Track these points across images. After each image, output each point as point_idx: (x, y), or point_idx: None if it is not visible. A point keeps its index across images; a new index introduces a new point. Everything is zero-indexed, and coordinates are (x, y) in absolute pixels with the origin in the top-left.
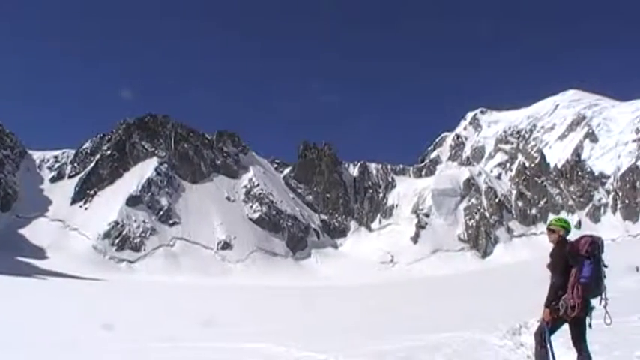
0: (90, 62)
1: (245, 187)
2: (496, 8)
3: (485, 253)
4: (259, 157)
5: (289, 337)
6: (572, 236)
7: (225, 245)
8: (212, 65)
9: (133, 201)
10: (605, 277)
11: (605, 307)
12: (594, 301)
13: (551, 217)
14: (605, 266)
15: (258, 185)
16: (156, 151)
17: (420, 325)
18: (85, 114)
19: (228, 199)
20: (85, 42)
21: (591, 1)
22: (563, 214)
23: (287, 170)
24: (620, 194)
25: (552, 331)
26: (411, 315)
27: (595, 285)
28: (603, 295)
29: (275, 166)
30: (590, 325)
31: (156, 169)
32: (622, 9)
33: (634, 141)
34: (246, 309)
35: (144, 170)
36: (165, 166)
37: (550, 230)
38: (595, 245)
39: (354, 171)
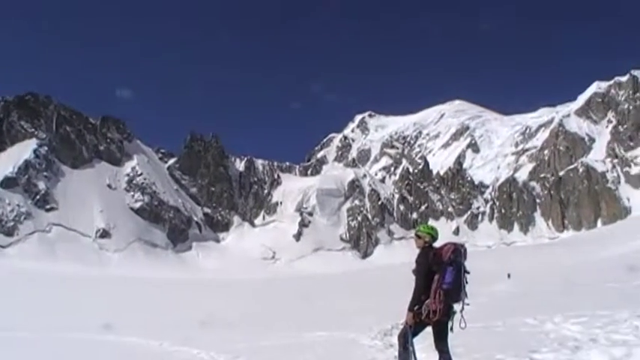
0: None
1: (128, 175)
2: (391, 15)
3: (365, 254)
4: (144, 145)
5: (164, 332)
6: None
7: (104, 234)
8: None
9: (7, 183)
10: (467, 283)
11: (461, 312)
12: (457, 306)
13: (431, 222)
14: (467, 273)
15: (141, 174)
16: (35, 132)
17: (299, 322)
18: None
19: (109, 186)
20: None
21: (485, 20)
22: (442, 220)
23: (172, 161)
24: (497, 204)
25: (416, 333)
26: (290, 312)
27: (456, 291)
28: (464, 301)
29: (160, 155)
30: (451, 329)
31: (34, 151)
32: (510, 31)
33: (513, 154)
34: (123, 301)
35: (21, 151)
36: (45, 148)
37: (417, 236)
38: (458, 252)
39: (240, 166)
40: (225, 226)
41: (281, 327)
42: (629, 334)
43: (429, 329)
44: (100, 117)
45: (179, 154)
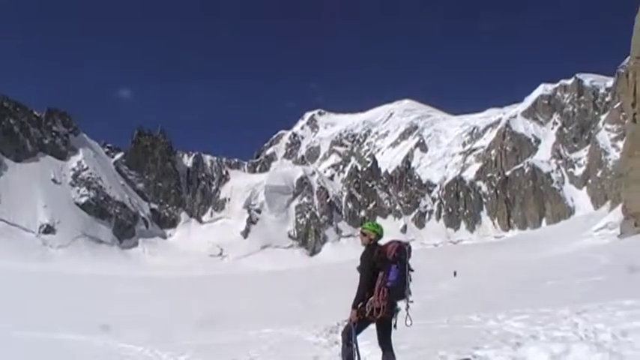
0: None
1: (73, 169)
2: (339, 13)
3: (313, 251)
4: (90, 139)
5: (108, 329)
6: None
7: (48, 229)
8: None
9: None
10: (411, 281)
11: (406, 309)
12: (401, 303)
13: (379, 220)
14: (412, 270)
15: (87, 169)
16: None
17: (245, 319)
18: None
19: (54, 180)
20: None
21: (433, 21)
22: (390, 218)
23: (119, 155)
24: (444, 202)
25: (359, 330)
26: (236, 309)
27: (400, 288)
28: (408, 299)
29: (107, 150)
30: (395, 326)
31: None
32: (460, 32)
33: (460, 153)
34: (66, 298)
35: None
36: None
37: (362, 234)
38: (402, 251)
39: (189, 161)
40: (173, 223)
41: (227, 324)
42: (568, 330)
43: (373, 326)
44: (45, 109)
45: (126, 149)
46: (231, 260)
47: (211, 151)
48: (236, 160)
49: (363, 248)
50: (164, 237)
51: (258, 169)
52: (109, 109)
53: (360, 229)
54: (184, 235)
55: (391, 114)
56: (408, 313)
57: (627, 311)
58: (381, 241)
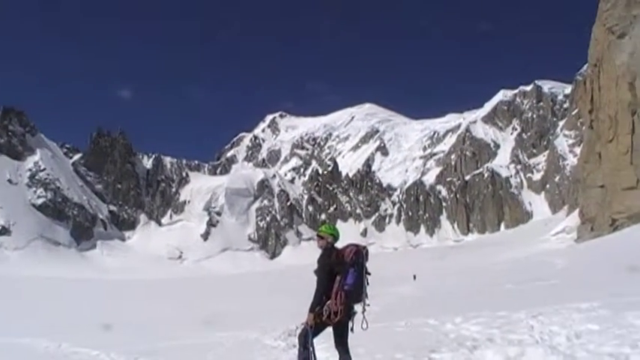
0: None
1: (30, 170)
2: (304, 17)
3: (274, 254)
4: (48, 139)
5: (63, 333)
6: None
7: (4, 231)
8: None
9: None
10: (368, 284)
11: (363, 312)
12: (358, 307)
13: (339, 223)
14: (369, 274)
15: (44, 169)
16: None
17: (204, 323)
18: None
19: (9, 181)
20: None
21: (393, 25)
22: (350, 222)
23: (77, 156)
24: (404, 206)
25: (316, 334)
26: (195, 313)
27: (358, 292)
28: (365, 302)
29: (65, 150)
30: (352, 330)
31: None
32: (423, 34)
33: (421, 157)
34: (20, 301)
35: None
36: None
37: (319, 237)
38: (359, 254)
39: (148, 163)
40: (131, 225)
41: (185, 327)
42: (524, 333)
43: (329, 329)
44: (0, 108)
45: (85, 150)
46: (190, 263)
47: (171, 152)
48: (196, 162)
49: (321, 251)
50: (123, 239)
51: (218, 171)
52: (68, 109)
53: (316, 233)
54: (143, 238)
55: (352, 118)
56: (364, 317)
57: (582, 314)
58: (338, 245)
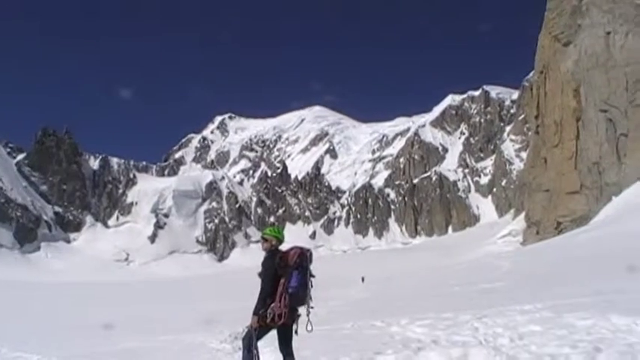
0: None
1: None
2: (255, 18)
3: (222, 257)
4: None
5: (2, 338)
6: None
7: None
8: None
9: None
10: (312, 287)
11: (308, 315)
12: (302, 309)
13: (288, 225)
14: (313, 277)
15: None
16: None
17: (150, 326)
18: None
19: None
20: None
21: (345, 28)
22: (299, 224)
23: (21, 156)
24: (353, 209)
25: (260, 336)
26: (141, 316)
27: (302, 294)
28: (309, 305)
29: (8, 150)
30: (296, 332)
31: None
32: (374, 38)
33: (370, 161)
34: None
35: None
36: None
37: (263, 239)
38: (304, 257)
39: (95, 164)
40: (77, 226)
41: (131, 331)
42: (468, 335)
43: (273, 332)
44: None
45: (29, 150)
46: (137, 265)
47: (119, 153)
48: (144, 163)
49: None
50: (68, 241)
51: (166, 172)
52: (11, 107)
53: (260, 235)
54: (89, 240)
55: (302, 120)
56: (309, 319)
57: (526, 315)
58: (283, 247)
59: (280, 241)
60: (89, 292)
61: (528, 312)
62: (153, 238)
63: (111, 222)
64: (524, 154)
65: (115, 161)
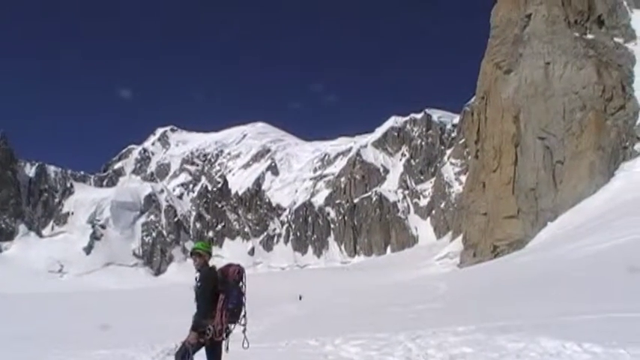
0: None
1: None
2: (197, 32)
3: (159, 271)
4: None
5: None
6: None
7: None
8: None
9: None
10: (245, 304)
11: (243, 332)
12: (232, 326)
13: (227, 241)
14: (243, 294)
15: None
16: None
17: (81, 340)
18: None
19: None
20: None
21: (285, 46)
22: (238, 240)
23: None
24: (293, 226)
25: (193, 353)
26: (73, 330)
27: (238, 311)
28: (243, 321)
29: None
30: (227, 349)
31: None
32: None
33: (311, 179)
34: None
35: None
36: None
37: (197, 254)
38: (242, 274)
39: (31, 171)
40: (9, 235)
41: (59, 345)
42: (401, 356)
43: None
44: None
45: None
46: (71, 277)
47: (56, 161)
48: (82, 172)
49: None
50: None
51: (105, 183)
52: None
53: (191, 249)
54: (22, 249)
55: (244, 135)
56: (245, 336)
57: (459, 337)
58: (219, 263)
59: (211, 255)
60: (23, 304)
61: (462, 333)
62: (88, 250)
63: (45, 232)
64: (463, 178)
65: (52, 169)
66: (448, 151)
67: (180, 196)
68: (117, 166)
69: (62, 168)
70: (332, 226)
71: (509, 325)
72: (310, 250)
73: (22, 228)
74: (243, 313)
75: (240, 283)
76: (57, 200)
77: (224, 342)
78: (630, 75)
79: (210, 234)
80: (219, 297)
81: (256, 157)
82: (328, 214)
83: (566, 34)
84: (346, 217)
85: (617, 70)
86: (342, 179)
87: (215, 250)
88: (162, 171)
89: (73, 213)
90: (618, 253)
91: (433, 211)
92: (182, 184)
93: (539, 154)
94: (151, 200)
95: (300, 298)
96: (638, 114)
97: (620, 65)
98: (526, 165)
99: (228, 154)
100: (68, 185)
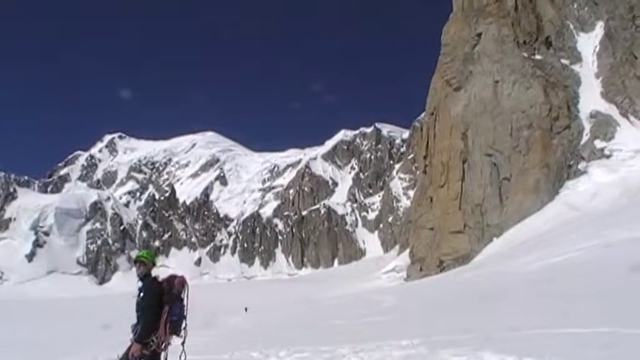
0: None
1: None
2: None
3: (103, 280)
4: None
5: None
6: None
7: None
8: None
9: None
10: (186, 316)
11: (183, 344)
12: (175, 338)
13: (173, 251)
14: (185, 305)
15: None
16: None
17: (21, 351)
18: None
19: None
20: None
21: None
22: (185, 250)
23: None
24: (240, 237)
25: None
26: (12, 340)
27: (180, 323)
28: (184, 334)
29: None
30: None
31: None
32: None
33: (259, 190)
34: None
35: None
36: None
37: (142, 262)
38: (186, 286)
39: None
40: None
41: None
42: None
43: None
44: None
45: None
46: (12, 284)
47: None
48: (26, 177)
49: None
50: None
51: (49, 189)
52: None
53: (135, 257)
54: None
55: (194, 145)
56: (184, 349)
57: (402, 351)
58: (162, 274)
59: (155, 265)
60: None
61: (405, 347)
62: (31, 257)
63: None
64: (411, 192)
65: None
66: (397, 166)
67: (127, 205)
68: (62, 172)
69: (5, 172)
70: (280, 237)
71: (453, 339)
72: (257, 261)
73: None
74: (184, 325)
75: (183, 295)
76: None
77: (163, 354)
78: (576, 96)
79: (157, 243)
80: (164, 309)
81: (205, 167)
82: (276, 225)
83: (515, 53)
84: (294, 229)
85: (564, 91)
86: (291, 191)
87: (161, 259)
88: (109, 178)
89: (15, 219)
90: (560, 270)
91: (381, 225)
92: (129, 192)
93: (487, 171)
94: (96, 208)
95: (246, 309)
96: (582, 134)
97: (567, 86)
98: (473, 181)
99: (177, 162)
100: (11, 190)
